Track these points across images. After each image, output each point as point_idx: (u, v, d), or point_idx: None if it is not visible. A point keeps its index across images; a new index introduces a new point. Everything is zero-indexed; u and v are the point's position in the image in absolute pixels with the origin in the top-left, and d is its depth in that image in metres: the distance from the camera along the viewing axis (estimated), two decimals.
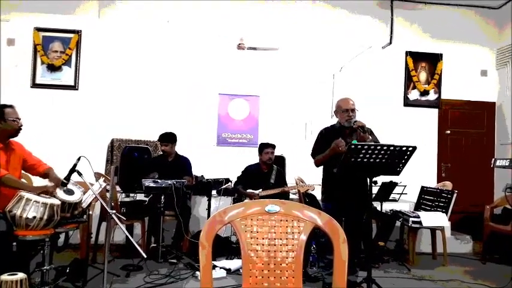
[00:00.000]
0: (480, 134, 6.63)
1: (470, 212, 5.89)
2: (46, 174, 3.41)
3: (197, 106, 6.01)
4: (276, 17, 6.14)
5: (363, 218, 3.55)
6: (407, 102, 6.43)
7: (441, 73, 6.46)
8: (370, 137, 3.51)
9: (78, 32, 5.79)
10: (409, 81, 6.43)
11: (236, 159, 5.59)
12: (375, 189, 4.20)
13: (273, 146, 4.98)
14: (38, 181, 3.78)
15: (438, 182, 6.04)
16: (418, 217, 4.57)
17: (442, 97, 6.49)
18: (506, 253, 4.76)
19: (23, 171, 3.50)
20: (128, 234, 2.82)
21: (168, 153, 4.95)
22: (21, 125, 3.29)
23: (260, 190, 4.83)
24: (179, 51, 5.99)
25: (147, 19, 5.93)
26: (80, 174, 3.11)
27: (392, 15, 6.28)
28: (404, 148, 3.00)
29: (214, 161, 5.79)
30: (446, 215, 4.66)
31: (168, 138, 4.93)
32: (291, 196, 5.20)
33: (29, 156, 3.44)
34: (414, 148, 3.01)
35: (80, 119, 5.65)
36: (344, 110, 3.63)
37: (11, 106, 3.29)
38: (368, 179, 3.25)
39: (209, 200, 4.61)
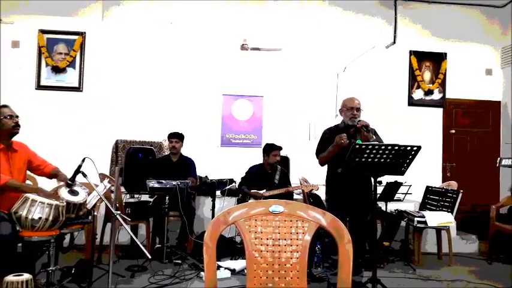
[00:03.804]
0: (485, 133, 6.59)
1: (476, 211, 5.87)
2: (54, 174, 3.43)
3: (201, 107, 6.02)
4: (279, 17, 6.13)
5: (367, 218, 3.54)
6: (412, 102, 6.41)
7: (445, 72, 6.43)
8: (374, 137, 3.50)
9: (82, 34, 5.81)
10: (413, 81, 6.41)
11: (240, 159, 5.58)
12: (379, 189, 4.19)
13: (280, 148, 4.97)
14: (43, 181, 3.81)
15: (443, 181, 6.02)
16: (423, 217, 4.55)
17: (447, 96, 6.46)
18: None
19: (28, 172, 3.52)
20: (132, 235, 2.83)
21: (176, 151, 4.97)
22: (17, 122, 3.27)
23: (264, 190, 4.83)
24: (183, 53, 6.00)
25: (151, 21, 5.95)
26: (84, 175, 3.12)
27: (396, 14, 6.27)
28: (408, 148, 2.99)
29: (218, 161, 5.79)
30: (452, 214, 4.64)
31: (179, 135, 5.00)
32: (295, 196, 5.19)
33: (34, 157, 3.46)
34: (419, 148, 3.00)
35: (85, 120, 5.67)
36: (349, 108, 3.64)
37: (4, 106, 3.29)
38: (372, 179, 3.24)
39: (213, 201, 4.61)
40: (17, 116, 3.29)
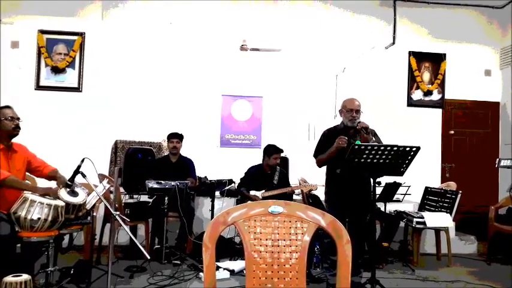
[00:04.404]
0: (484, 134, 6.60)
1: (475, 212, 5.87)
2: (52, 176, 3.43)
3: (200, 107, 6.02)
4: (279, 17, 6.14)
5: (366, 219, 3.54)
6: (411, 103, 6.41)
7: (445, 73, 6.44)
8: (374, 138, 3.50)
9: (81, 34, 5.82)
10: (413, 82, 6.42)
11: (239, 160, 5.58)
12: (378, 190, 4.19)
13: (281, 151, 4.97)
14: (42, 183, 3.80)
15: (442, 182, 6.02)
16: (422, 218, 4.55)
17: (446, 97, 6.47)
18: (511, 253, 4.73)
19: (27, 174, 3.52)
20: (131, 235, 2.82)
21: (177, 151, 4.99)
22: (17, 124, 3.27)
23: (263, 191, 4.83)
24: (182, 53, 6.00)
25: (151, 21, 5.95)
26: (83, 175, 3.12)
27: (395, 15, 6.28)
28: (408, 148, 2.99)
29: (218, 162, 5.79)
30: (451, 215, 4.64)
31: (179, 135, 5.02)
32: (294, 197, 5.19)
33: (33, 158, 3.47)
34: (418, 148, 3.00)
35: (84, 120, 5.67)
36: (349, 109, 3.63)
37: (7, 107, 3.30)
38: (372, 180, 3.24)
39: (212, 201, 4.62)
40: (18, 118, 3.30)
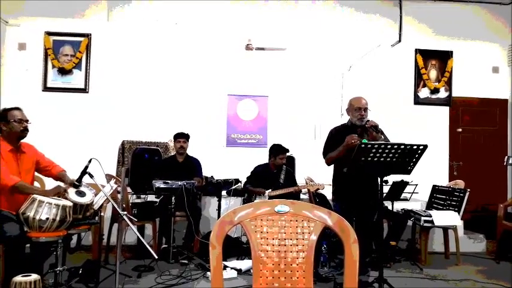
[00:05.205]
0: (492, 132, 6.54)
1: (483, 210, 5.82)
2: (60, 178, 3.45)
3: (206, 107, 6.03)
4: (284, 16, 6.13)
5: (374, 218, 3.52)
6: (418, 101, 6.38)
7: (452, 70, 6.39)
8: (382, 137, 3.49)
9: (88, 36, 5.85)
10: (419, 79, 6.38)
11: (245, 159, 5.58)
12: (385, 189, 4.16)
13: (287, 151, 4.96)
14: (50, 182, 3.83)
15: (450, 180, 5.98)
16: (430, 216, 4.52)
17: (453, 95, 6.42)
18: None
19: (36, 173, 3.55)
20: (139, 235, 2.84)
21: (184, 151, 5.00)
22: (25, 126, 3.29)
23: (270, 190, 4.83)
24: (188, 53, 6.02)
25: (156, 21, 5.97)
26: (91, 176, 3.14)
27: (401, 12, 6.21)
28: (415, 147, 2.97)
29: (224, 161, 5.80)
30: (459, 214, 4.61)
31: (185, 135, 5.03)
32: (302, 196, 5.18)
33: (41, 158, 3.49)
34: (425, 146, 2.98)
35: (91, 121, 5.71)
36: (356, 108, 3.62)
37: (16, 108, 3.32)
38: (379, 178, 3.22)
39: (219, 201, 4.62)
40: (27, 121, 3.32)
